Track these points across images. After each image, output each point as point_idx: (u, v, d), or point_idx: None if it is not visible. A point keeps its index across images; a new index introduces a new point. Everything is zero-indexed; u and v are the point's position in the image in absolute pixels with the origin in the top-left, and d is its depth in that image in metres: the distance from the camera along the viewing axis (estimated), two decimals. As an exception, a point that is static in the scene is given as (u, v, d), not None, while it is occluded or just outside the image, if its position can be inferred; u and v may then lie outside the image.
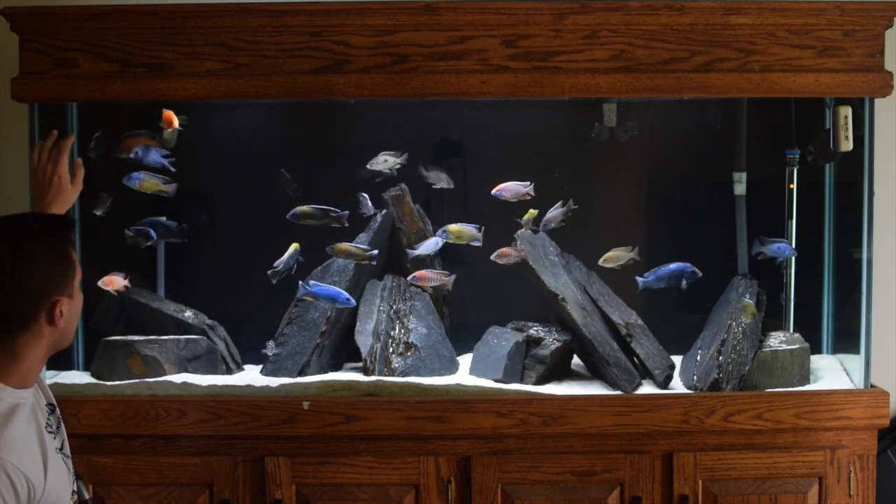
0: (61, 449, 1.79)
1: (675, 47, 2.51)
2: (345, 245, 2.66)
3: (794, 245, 2.82)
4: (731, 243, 2.93)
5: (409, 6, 2.49)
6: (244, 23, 2.50)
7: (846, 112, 2.61)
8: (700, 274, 2.68)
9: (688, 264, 2.67)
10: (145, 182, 2.64)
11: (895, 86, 2.52)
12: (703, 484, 2.50)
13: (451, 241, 2.67)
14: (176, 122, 2.61)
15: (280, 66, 2.50)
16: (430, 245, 2.70)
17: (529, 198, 2.68)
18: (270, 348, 2.69)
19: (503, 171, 2.90)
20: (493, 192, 2.68)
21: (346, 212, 2.68)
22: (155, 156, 2.64)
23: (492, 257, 2.69)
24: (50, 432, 1.77)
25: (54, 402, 1.86)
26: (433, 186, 2.75)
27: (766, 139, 2.94)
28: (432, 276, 2.68)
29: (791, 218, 2.84)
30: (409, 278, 2.72)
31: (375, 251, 2.71)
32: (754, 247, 2.75)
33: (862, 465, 2.53)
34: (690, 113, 2.99)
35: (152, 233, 2.73)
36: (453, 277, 2.71)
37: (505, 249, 2.69)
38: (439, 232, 2.68)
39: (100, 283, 2.65)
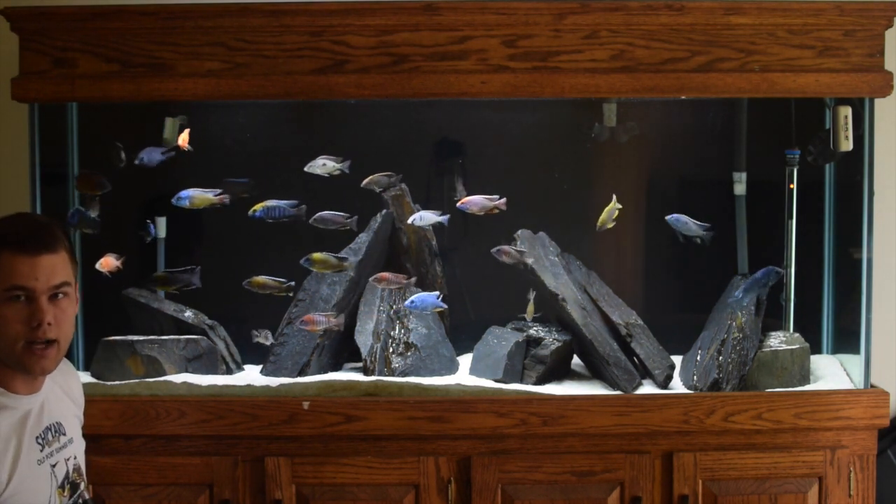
0: (47, 460, 1.83)
1: (675, 47, 2.51)
2: (261, 278, 2.66)
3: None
4: (731, 243, 2.93)
5: (409, 6, 2.49)
6: (244, 23, 2.50)
7: (846, 112, 2.61)
8: (782, 272, 2.69)
9: (771, 266, 2.67)
10: (195, 199, 2.65)
11: (895, 86, 2.52)
12: (703, 484, 2.50)
13: (315, 269, 2.67)
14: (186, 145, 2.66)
15: (280, 66, 2.51)
16: (429, 217, 2.70)
17: (497, 211, 2.67)
18: (265, 336, 2.67)
19: (503, 170, 2.91)
20: (459, 205, 2.69)
21: (198, 267, 2.71)
22: (157, 155, 2.65)
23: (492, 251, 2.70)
24: (39, 443, 1.82)
25: (61, 425, 1.90)
26: (455, 199, 2.75)
27: (766, 139, 2.94)
28: (320, 319, 2.66)
29: (791, 218, 2.84)
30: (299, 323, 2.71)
31: (292, 283, 2.69)
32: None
33: (862, 465, 2.53)
34: (690, 113, 2.99)
35: (152, 229, 2.73)
36: (342, 318, 2.68)
37: (505, 248, 2.70)
38: (303, 259, 2.66)
39: (97, 265, 2.66)
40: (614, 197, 2.69)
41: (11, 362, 1.78)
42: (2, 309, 1.76)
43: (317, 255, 2.65)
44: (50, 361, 1.80)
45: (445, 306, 2.71)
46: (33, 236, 1.79)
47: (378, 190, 2.76)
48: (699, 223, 2.66)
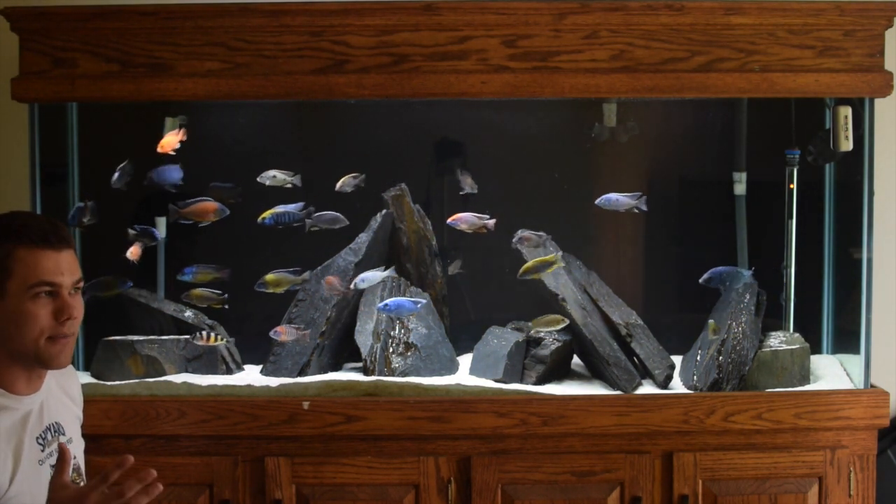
0: (47, 460, 1.83)
1: (675, 47, 2.51)
2: (198, 291, 2.70)
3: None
4: (731, 243, 2.93)
5: (409, 6, 2.49)
6: (244, 23, 2.50)
7: (846, 112, 2.61)
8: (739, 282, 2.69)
9: (748, 279, 2.68)
10: (198, 274, 2.71)
11: (895, 86, 2.52)
12: (703, 484, 2.50)
13: (269, 291, 2.67)
14: (170, 148, 2.64)
15: (280, 66, 2.51)
16: (372, 277, 2.69)
17: (486, 231, 2.67)
18: (290, 333, 2.69)
19: (503, 170, 2.91)
20: (449, 221, 2.69)
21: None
22: (170, 174, 2.68)
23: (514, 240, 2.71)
24: (39, 443, 1.83)
25: (60, 425, 1.90)
26: (460, 192, 2.75)
27: (766, 139, 2.94)
28: (291, 331, 2.68)
29: (791, 218, 2.85)
30: None
31: (226, 296, 2.71)
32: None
33: (862, 465, 2.53)
34: (690, 113, 2.99)
35: (156, 233, 2.74)
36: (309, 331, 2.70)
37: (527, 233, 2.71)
38: (257, 283, 2.66)
39: (127, 254, 2.69)
40: (560, 256, 2.67)
41: (30, 358, 1.79)
42: (27, 305, 1.76)
43: (270, 277, 2.67)
44: (70, 353, 1.83)
45: (420, 309, 2.69)
46: (56, 232, 1.79)
47: (348, 190, 2.75)
48: (629, 195, 2.64)
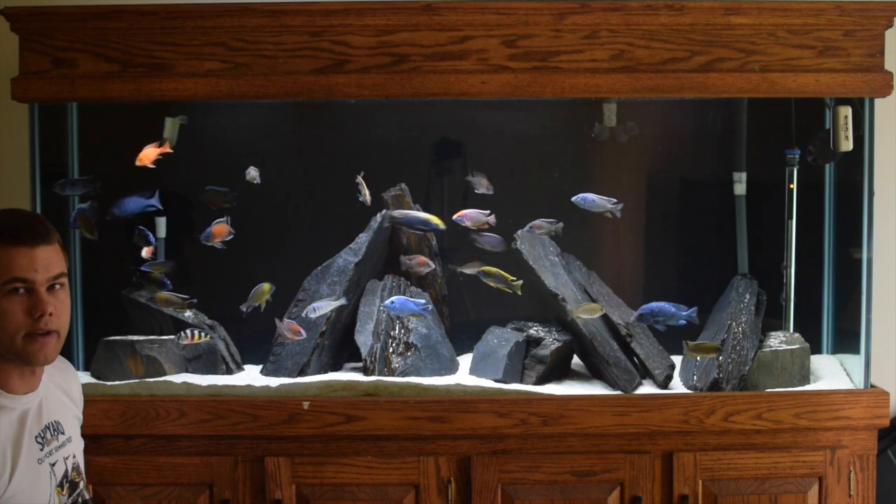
0: (46, 459, 1.83)
1: (675, 47, 2.51)
2: (164, 294, 2.72)
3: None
4: (731, 243, 2.93)
5: (409, 6, 2.49)
6: (244, 23, 2.50)
7: (846, 112, 2.61)
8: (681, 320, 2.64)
9: (688, 314, 2.63)
10: (153, 269, 2.76)
11: (895, 86, 2.52)
12: (703, 484, 2.50)
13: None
14: (149, 161, 2.64)
15: (280, 66, 2.51)
16: (322, 306, 2.69)
17: (488, 227, 2.68)
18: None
19: (503, 170, 2.90)
20: (454, 217, 2.70)
21: None
22: (136, 204, 2.68)
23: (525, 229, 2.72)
24: (38, 442, 1.82)
25: (59, 424, 1.90)
26: (475, 191, 2.75)
27: (766, 139, 2.94)
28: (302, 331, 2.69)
29: (791, 218, 2.85)
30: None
31: (195, 300, 2.73)
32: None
33: (862, 465, 2.53)
34: (690, 113, 2.99)
35: (150, 237, 2.74)
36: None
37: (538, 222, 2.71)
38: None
39: (143, 253, 2.73)
40: (521, 283, 2.68)
41: (12, 355, 1.78)
42: (2, 302, 1.75)
43: (162, 295, 2.73)
44: (51, 351, 1.80)
45: (426, 314, 2.70)
46: (29, 228, 1.78)
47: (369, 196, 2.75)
48: (606, 198, 2.65)
